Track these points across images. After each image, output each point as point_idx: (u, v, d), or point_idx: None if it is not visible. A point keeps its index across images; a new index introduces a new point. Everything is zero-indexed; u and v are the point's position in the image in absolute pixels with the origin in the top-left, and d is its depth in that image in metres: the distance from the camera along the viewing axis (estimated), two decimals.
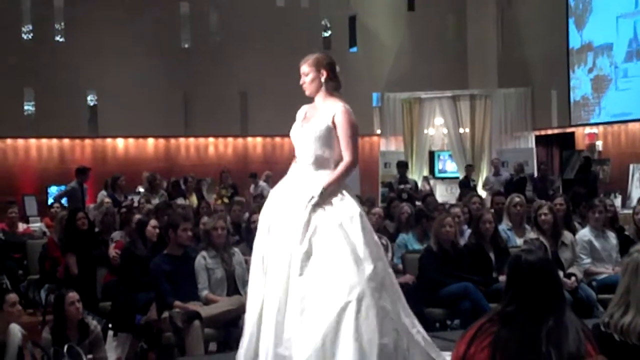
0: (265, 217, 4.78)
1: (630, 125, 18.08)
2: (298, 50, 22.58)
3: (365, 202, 10.02)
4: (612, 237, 8.15)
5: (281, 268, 4.53)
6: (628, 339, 3.61)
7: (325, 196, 4.63)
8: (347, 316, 4.32)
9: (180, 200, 12.10)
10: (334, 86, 4.94)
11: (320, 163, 4.80)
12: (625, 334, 3.62)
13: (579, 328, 3.51)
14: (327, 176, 4.73)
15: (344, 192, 4.76)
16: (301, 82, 4.94)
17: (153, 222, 7.89)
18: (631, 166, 16.28)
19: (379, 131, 21.15)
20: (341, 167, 4.75)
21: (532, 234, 7.79)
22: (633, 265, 3.73)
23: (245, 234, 8.54)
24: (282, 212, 4.69)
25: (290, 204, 4.68)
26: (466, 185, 16.47)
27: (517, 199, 8.61)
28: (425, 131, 20.29)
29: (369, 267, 4.46)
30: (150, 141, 20.12)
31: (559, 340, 3.41)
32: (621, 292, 3.74)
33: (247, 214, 9.43)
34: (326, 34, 21.41)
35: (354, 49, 21.46)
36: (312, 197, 4.60)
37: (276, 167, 19.60)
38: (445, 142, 20.61)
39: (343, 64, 17.82)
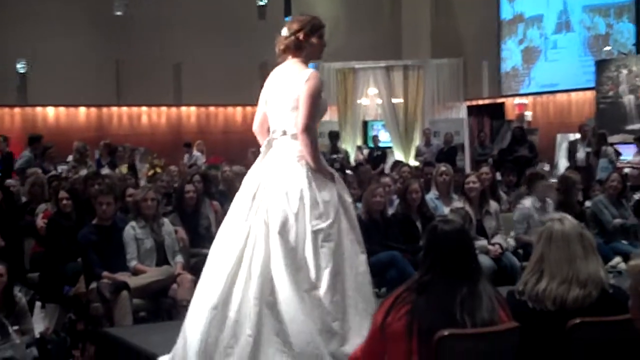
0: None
1: (558, 95, 18.48)
2: (232, 20, 22.45)
3: None
4: (551, 207, 8.24)
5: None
6: (542, 305, 3.71)
7: None
8: None
9: (105, 170, 11.98)
10: None
11: None
12: (540, 300, 3.71)
13: (492, 296, 3.62)
14: None
15: None
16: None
17: (62, 193, 7.80)
18: (558, 136, 16.64)
19: None
20: None
21: (458, 203, 7.93)
22: (547, 234, 3.80)
23: (176, 204, 8.49)
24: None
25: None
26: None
27: (442, 168, 8.74)
28: (359, 101, 20.41)
29: None
30: (82, 110, 19.84)
31: (473, 308, 3.51)
32: (535, 260, 3.82)
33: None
34: (261, 3, 21.24)
35: (289, 19, 21.37)
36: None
37: (210, 137, 19.56)
38: (378, 112, 20.77)
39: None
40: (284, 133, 4.63)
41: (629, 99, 15.90)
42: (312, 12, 21.82)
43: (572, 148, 14.64)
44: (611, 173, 9.59)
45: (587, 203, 9.15)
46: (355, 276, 4.50)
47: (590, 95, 17.17)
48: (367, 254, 4.70)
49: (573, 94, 18.10)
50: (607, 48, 17.09)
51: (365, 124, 20.47)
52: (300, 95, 4.51)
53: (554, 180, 12.17)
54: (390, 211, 8.09)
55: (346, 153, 16.89)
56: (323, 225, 4.43)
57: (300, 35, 4.62)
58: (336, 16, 21.54)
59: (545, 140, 17.17)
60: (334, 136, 16.90)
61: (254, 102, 18.32)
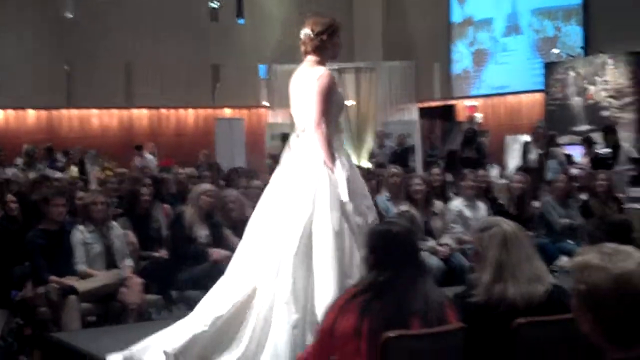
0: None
1: (508, 97, 18.69)
2: (184, 21, 22.23)
3: (246, 174, 10.10)
4: (482, 207, 8.45)
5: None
6: (507, 308, 3.66)
7: None
8: None
9: (57, 174, 11.88)
10: None
11: None
12: (511, 305, 3.67)
13: (439, 293, 3.68)
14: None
15: None
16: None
17: (9, 196, 7.72)
18: (508, 138, 16.81)
19: (266, 103, 21.19)
20: None
21: (403, 206, 7.99)
22: (500, 238, 3.76)
23: (127, 207, 8.42)
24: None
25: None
26: None
27: (393, 170, 8.82)
28: None
29: None
30: (31, 113, 19.58)
31: (428, 304, 3.56)
32: (494, 266, 3.73)
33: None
34: (213, 5, 21.19)
35: (241, 21, 21.34)
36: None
37: (162, 139, 19.45)
38: None
39: (230, 36, 17.84)
40: (304, 130, 4.80)
41: (576, 101, 16.16)
42: (265, 13, 21.91)
43: (525, 149, 14.82)
44: (559, 174, 9.77)
45: (537, 204, 9.28)
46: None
47: (539, 97, 17.40)
48: None
49: (523, 96, 18.32)
50: (556, 51, 17.33)
51: None
52: (312, 93, 4.70)
53: (505, 181, 12.34)
54: None
55: None
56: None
57: (324, 37, 4.82)
58: (288, 18, 21.55)
59: (496, 141, 17.35)
60: (287, 138, 16.89)
61: (206, 104, 18.38)
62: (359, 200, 4.71)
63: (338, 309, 3.62)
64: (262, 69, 21.29)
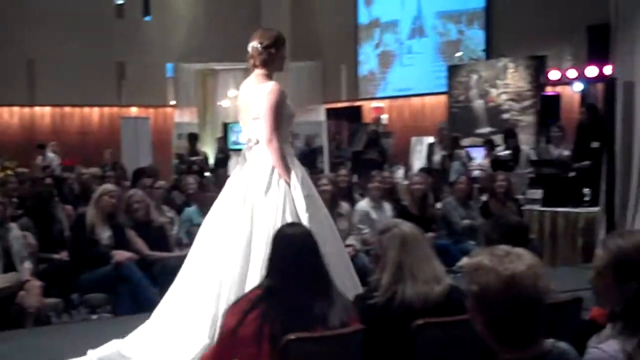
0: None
1: (413, 99, 18.95)
2: (90, 18, 21.77)
3: (151, 174, 9.99)
4: (387, 208, 8.57)
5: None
6: (407, 308, 3.71)
7: None
8: None
9: None
10: None
11: None
12: (407, 304, 3.72)
13: (343, 298, 3.71)
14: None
15: None
16: None
17: None
18: (413, 139, 17.06)
19: (173, 102, 20.97)
20: None
21: None
22: (400, 239, 3.83)
23: (29, 208, 8.22)
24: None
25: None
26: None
27: None
28: (220, 103, 20.33)
29: None
30: None
31: (328, 309, 3.57)
32: (394, 267, 3.79)
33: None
34: (120, 2, 20.83)
35: (148, 18, 21.06)
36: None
37: (65, 138, 19.04)
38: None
39: (137, 34, 17.63)
40: (257, 142, 4.84)
41: (478, 104, 16.50)
42: (172, 12, 21.65)
43: (429, 151, 15.05)
44: (460, 175, 9.96)
45: (438, 205, 9.45)
46: None
47: (443, 99, 17.69)
48: None
49: (427, 98, 18.60)
50: (459, 54, 17.67)
51: (225, 126, 20.41)
52: (262, 109, 4.76)
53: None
54: None
55: (205, 155, 16.81)
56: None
57: (272, 50, 4.90)
58: (195, 17, 21.40)
59: (402, 143, 17.57)
60: (193, 138, 16.80)
61: (111, 103, 18.10)
62: (315, 210, 4.75)
63: (240, 312, 3.61)
64: (169, 67, 21.07)
